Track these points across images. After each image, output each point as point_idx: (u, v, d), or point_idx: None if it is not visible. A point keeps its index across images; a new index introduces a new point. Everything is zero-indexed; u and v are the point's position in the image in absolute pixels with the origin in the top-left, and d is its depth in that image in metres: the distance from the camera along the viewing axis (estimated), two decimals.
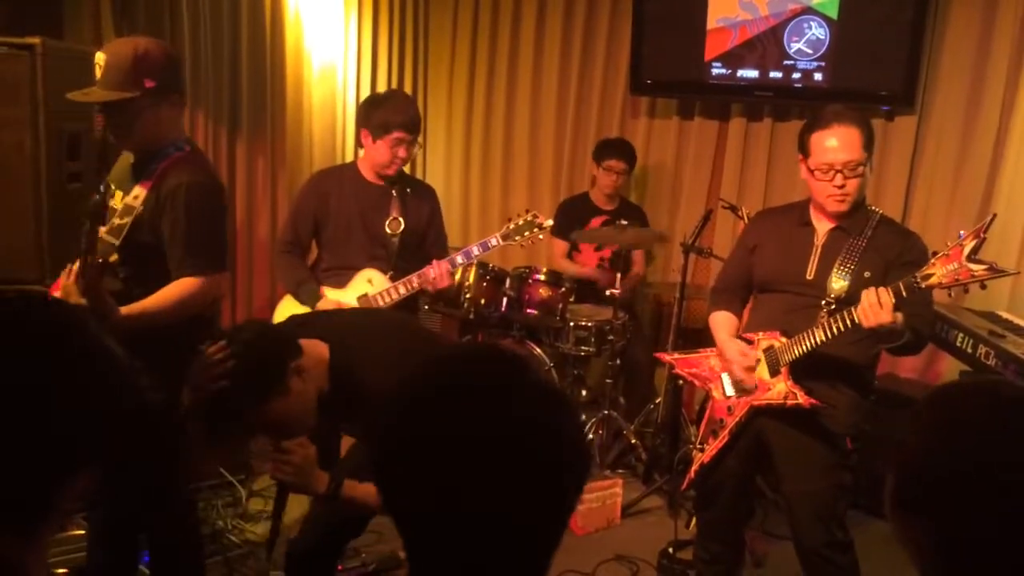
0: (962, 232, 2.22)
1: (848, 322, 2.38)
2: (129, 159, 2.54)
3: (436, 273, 3.15)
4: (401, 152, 3.22)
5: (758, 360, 2.64)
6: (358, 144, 3.44)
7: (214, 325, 2.74)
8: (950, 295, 2.31)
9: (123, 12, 3.78)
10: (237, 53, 4.41)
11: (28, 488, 0.96)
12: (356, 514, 2.36)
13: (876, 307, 2.28)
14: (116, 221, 2.40)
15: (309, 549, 2.42)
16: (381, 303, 3.17)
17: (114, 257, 2.40)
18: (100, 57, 2.36)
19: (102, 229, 2.35)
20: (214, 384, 1.84)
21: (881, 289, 2.30)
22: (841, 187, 2.53)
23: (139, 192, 2.41)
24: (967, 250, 2.19)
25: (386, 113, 3.20)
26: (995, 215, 2.32)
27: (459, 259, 3.21)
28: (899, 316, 2.31)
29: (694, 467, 2.84)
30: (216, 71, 4.30)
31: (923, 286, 2.25)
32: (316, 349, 2.04)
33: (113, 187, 2.53)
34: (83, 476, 1.01)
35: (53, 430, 0.96)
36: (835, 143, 2.51)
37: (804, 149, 2.60)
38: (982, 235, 2.19)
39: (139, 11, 3.86)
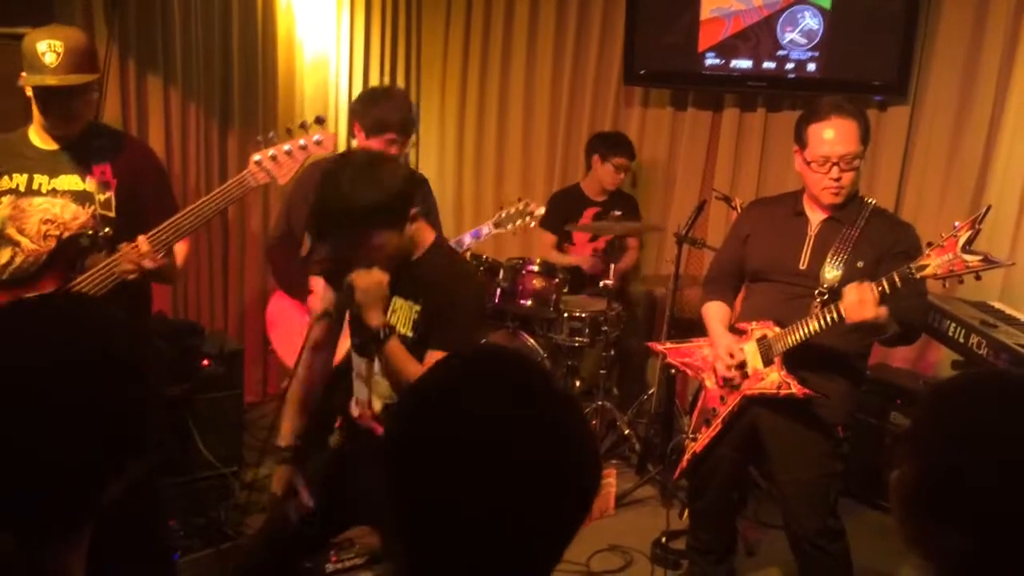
0: (957, 223, 2.23)
1: (833, 318, 2.40)
2: (36, 144, 2.52)
3: None
4: (392, 151, 3.21)
5: (744, 362, 2.65)
6: (351, 135, 3.43)
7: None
8: (944, 285, 2.31)
9: (114, 2, 3.76)
10: (228, 43, 4.40)
11: (85, 496, 0.96)
12: (304, 530, 2.34)
13: (860, 303, 2.29)
14: (99, 197, 2.48)
15: (257, 566, 2.37)
16: None
17: (107, 229, 2.48)
18: (54, 44, 2.35)
19: (91, 208, 2.49)
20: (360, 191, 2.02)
21: (865, 284, 2.31)
22: (837, 179, 2.53)
23: (103, 168, 2.52)
24: (962, 241, 2.20)
25: (382, 112, 3.17)
26: (990, 207, 2.33)
27: (467, 239, 3.21)
28: (883, 310, 2.32)
29: (686, 457, 2.85)
30: (207, 62, 4.29)
31: (918, 276, 2.26)
32: (426, 228, 2.25)
33: (16, 175, 2.50)
34: (124, 475, 1.01)
35: (113, 434, 0.96)
36: (832, 135, 2.51)
37: (801, 140, 2.60)
38: (977, 226, 2.20)
39: (130, 1, 3.85)
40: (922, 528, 1.05)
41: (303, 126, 2.55)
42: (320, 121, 2.56)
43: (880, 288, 2.30)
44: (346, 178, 2.05)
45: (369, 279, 2.09)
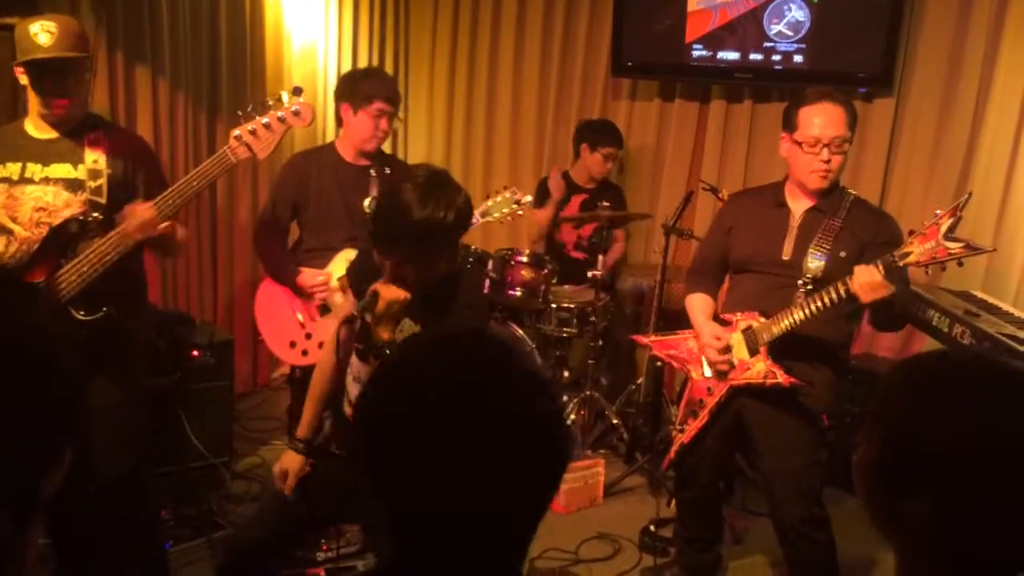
0: (938, 211, 2.26)
1: (832, 299, 2.41)
2: (31, 134, 2.54)
3: None
4: (383, 124, 3.23)
5: (730, 346, 2.68)
6: (338, 122, 3.43)
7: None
8: (927, 273, 2.35)
9: None
10: (216, 34, 4.39)
11: (23, 480, 0.94)
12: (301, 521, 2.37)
13: (872, 284, 2.31)
14: (90, 184, 2.50)
15: (247, 549, 2.37)
16: None
17: (96, 214, 2.49)
18: (48, 25, 2.39)
19: (83, 195, 2.49)
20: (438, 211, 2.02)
21: (871, 266, 2.33)
22: (827, 162, 2.57)
23: (96, 156, 2.53)
24: (944, 228, 2.23)
25: (369, 85, 3.22)
26: (970, 194, 2.35)
27: None
28: (892, 287, 2.34)
29: (674, 448, 2.87)
30: (195, 51, 4.28)
31: (901, 264, 2.29)
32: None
33: (10, 164, 2.52)
34: (63, 462, 1.00)
35: (50, 411, 0.95)
36: (824, 118, 2.56)
37: (790, 124, 2.63)
38: (958, 213, 2.23)
39: None
40: (885, 505, 1.07)
41: (280, 99, 2.56)
42: (298, 92, 2.58)
43: None
44: (416, 193, 2.02)
45: (393, 294, 2.09)
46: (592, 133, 4.64)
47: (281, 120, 2.53)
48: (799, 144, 2.59)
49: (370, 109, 3.20)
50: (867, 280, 2.33)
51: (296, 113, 2.55)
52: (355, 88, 3.23)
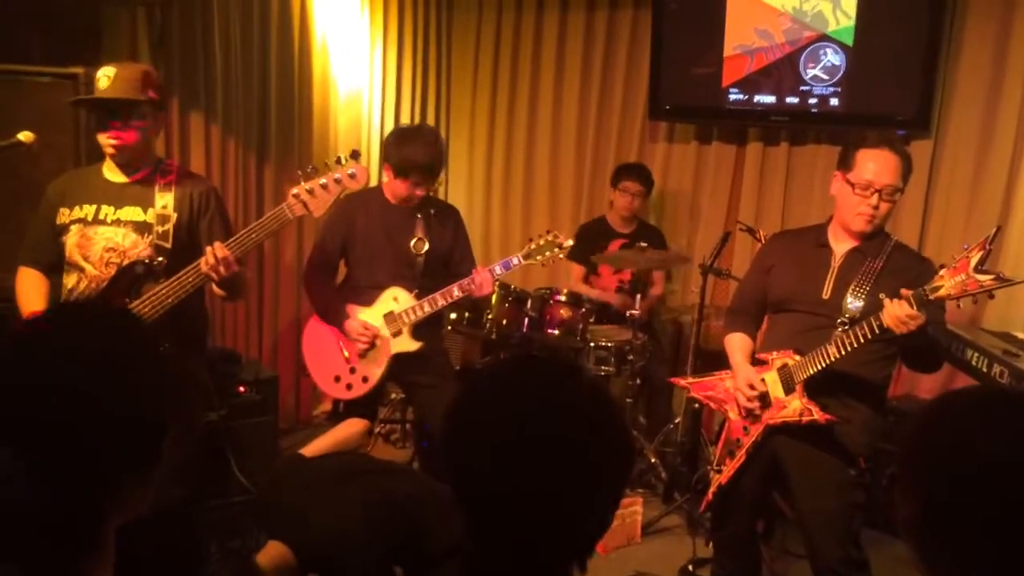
0: (967, 244, 2.28)
1: (865, 334, 2.41)
2: (107, 177, 2.68)
3: (480, 280, 3.24)
4: (419, 191, 3.33)
5: (765, 393, 2.70)
6: (382, 171, 3.54)
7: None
8: (958, 306, 2.35)
9: (160, 42, 3.93)
10: (266, 81, 4.55)
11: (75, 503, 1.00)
12: None
13: (903, 316, 2.31)
14: (158, 228, 2.62)
15: None
16: (407, 320, 3.28)
17: (161, 259, 2.62)
18: (108, 71, 2.56)
19: (149, 238, 2.63)
20: None
21: (900, 301, 2.34)
22: (875, 207, 2.59)
23: (165, 201, 2.66)
24: (974, 261, 2.24)
25: (408, 154, 3.27)
26: (999, 227, 2.37)
27: (498, 269, 3.30)
28: (923, 316, 2.33)
29: (712, 489, 2.87)
30: (246, 98, 4.44)
31: (931, 297, 2.29)
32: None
33: (86, 206, 2.65)
34: (129, 479, 1.05)
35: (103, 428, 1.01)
36: (881, 164, 2.58)
37: (847, 163, 2.65)
38: (988, 246, 2.24)
39: (173, 41, 4.01)
40: (939, 555, 1.08)
41: (338, 160, 2.68)
42: (355, 156, 2.70)
43: None
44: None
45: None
46: (617, 172, 4.77)
47: (337, 182, 2.67)
48: (852, 185, 2.62)
49: (406, 181, 3.30)
50: (896, 312, 2.34)
51: (352, 176, 2.69)
52: (395, 154, 3.31)
